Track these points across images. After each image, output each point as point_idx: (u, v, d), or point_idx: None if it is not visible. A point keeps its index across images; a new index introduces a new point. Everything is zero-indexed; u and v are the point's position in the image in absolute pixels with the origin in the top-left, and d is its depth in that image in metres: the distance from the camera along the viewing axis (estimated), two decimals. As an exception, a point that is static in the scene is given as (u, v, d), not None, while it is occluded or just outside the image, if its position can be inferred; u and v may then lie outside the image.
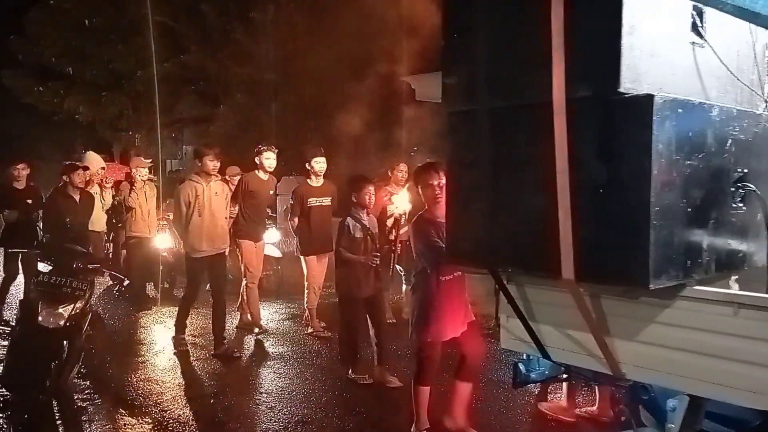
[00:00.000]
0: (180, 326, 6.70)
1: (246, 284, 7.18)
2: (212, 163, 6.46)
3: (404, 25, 14.43)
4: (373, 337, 5.66)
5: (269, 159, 7.07)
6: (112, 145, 21.39)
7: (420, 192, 4.31)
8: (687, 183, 2.39)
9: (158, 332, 7.55)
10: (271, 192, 7.38)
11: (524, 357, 3.35)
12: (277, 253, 9.03)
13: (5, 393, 5.10)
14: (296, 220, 7.09)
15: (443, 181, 4.05)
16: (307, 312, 7.31)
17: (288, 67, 15.54)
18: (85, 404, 5.19)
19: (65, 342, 5.09)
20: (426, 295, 4.21)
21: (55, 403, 5.06)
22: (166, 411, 5.11)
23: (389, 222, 6.73)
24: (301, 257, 7.21)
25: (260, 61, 16.02)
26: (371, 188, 5.67)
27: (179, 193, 6.52)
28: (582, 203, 2.39)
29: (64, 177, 7.47)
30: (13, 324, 5.32)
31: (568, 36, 2.37)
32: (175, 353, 6.54)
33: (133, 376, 5.94)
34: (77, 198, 7.44)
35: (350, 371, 5.63)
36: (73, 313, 5.03)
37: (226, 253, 6.91)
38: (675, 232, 2.36)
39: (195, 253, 6.47)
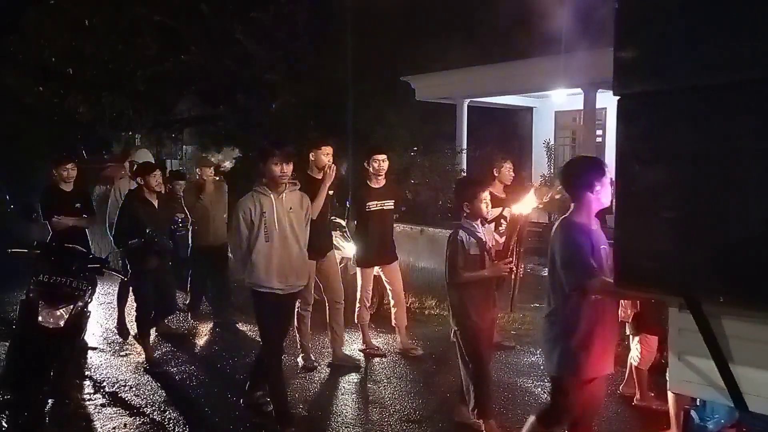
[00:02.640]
0: (252, 386, 5.12)
1: (297, 310, 5.84)
2: (278, 168, 4.67)
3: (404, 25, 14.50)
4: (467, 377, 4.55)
5: (329, 155, 5.96)
6: (111, 145, 21.40)
7: (575, 193, 3.44)
8: None
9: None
10: (331, 193, 6.03)
11: (697, 403, 2.83)
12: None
13: (5, 393, 5.01)
14: (353, 225, 6.41)
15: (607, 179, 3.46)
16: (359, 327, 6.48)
17: (288, 66, 15.56)
18: (85, 404, 5.15)
19: (65, 342, 5.01)
20: (575, 320, 3.30)
21: (55, 403, 5.01)
22: (166, 412, 5.09)
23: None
24: (357, 268, 6.45)
25: (260, 61, 16.01)
26: (487, 195, 4.58)
27: (237, 209, 4.81)
28: None
29: (138, 180, 6.62)
30: (13, 324, 5.24)
31: None
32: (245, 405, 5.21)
33: (135, 377, 5.93)
34: (156, 203, 6.40)
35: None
36: (73, 313, 4.98)
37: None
38: None
39: (261, 288, 4.79)
